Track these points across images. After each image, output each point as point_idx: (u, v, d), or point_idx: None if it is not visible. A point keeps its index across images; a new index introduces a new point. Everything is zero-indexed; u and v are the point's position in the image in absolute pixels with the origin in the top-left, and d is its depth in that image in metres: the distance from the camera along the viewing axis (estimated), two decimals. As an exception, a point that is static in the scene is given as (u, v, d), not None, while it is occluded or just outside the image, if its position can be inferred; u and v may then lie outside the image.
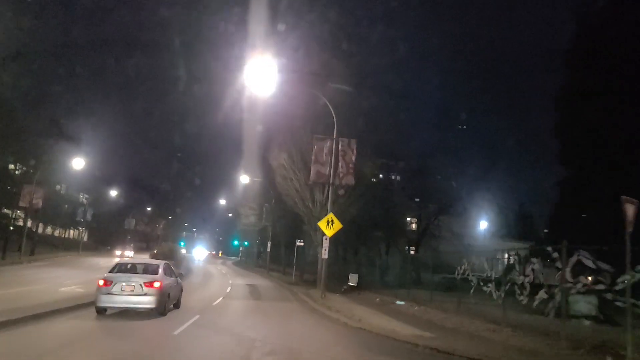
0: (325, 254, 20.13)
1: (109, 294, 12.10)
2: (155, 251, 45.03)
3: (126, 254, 49.34)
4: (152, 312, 12.62)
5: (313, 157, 20.87)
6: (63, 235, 72.83)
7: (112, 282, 12.23)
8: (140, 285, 12.27)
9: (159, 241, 76.87)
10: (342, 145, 20.98)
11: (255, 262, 64.16)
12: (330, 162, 20.89)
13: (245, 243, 77.79)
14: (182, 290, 15.79)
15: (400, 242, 39.10)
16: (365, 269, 37.82)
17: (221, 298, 20.49)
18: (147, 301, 12.28)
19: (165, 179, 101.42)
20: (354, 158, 21.00)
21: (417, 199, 40.95)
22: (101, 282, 12.22)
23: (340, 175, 20.91)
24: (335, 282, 25.61)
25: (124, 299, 12.22)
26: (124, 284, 12.25)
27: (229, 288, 26.70)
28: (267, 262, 46.82)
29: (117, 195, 77.70)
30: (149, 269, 13.55)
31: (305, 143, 24.09)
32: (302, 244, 33.79)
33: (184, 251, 58.69)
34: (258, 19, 21.32)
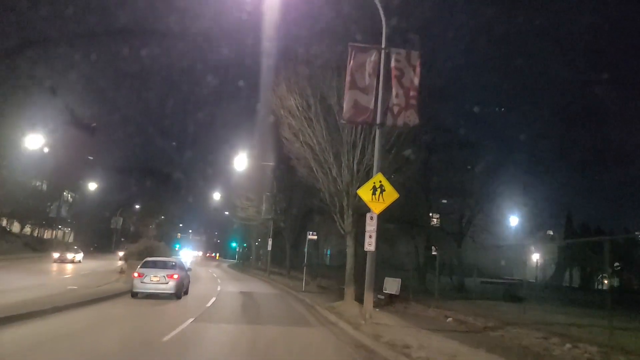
0: (372, 245, 11.43)
1: (142, 282, 16.11)
2: (122, 253, 36.10)
3: (68, 257, 38.15)
4: (171, 296, 16.39)
5: (348, 78, 12.09)
6: (40, 235, 64.90)
7: (144, 274, 16.25)
8: (164, 276, 16.29)
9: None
10: (396, 61, 12.22)
11: (254, 264, 56.41)
12: (378, 87, 12.24)
13: (244, 245, 70.52)
14: (189, 281, 19.53)
15: (441, 238, 30.64)
16: (391, 271, 29.70)
17: (190, 320, 11.81)
18: (169, 288, 16.29)
19: (161, 177, 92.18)
20: (416, 81, 12.18)
21: (456, 188, 33.85)
22: (136, 275, 16.34)
23: (395, 109, 12.11)
24: (355, 288, 16.95)
25: (153, 286, 16.16)
26: (152, 275, 16.25)
27: (213, 299, 18.21)
28: (268, 264, 38.30)
29: (102, 190, 69.76)
30: (168, 265, 17.46)
31: (328, 76, 15.43)
32: (316, 237, 25.13)
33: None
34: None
